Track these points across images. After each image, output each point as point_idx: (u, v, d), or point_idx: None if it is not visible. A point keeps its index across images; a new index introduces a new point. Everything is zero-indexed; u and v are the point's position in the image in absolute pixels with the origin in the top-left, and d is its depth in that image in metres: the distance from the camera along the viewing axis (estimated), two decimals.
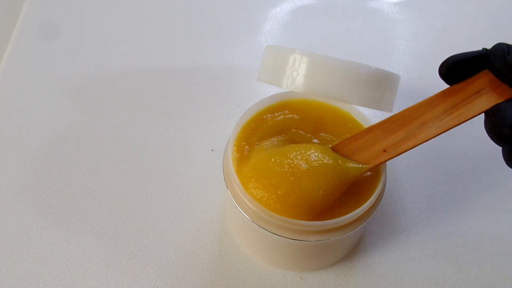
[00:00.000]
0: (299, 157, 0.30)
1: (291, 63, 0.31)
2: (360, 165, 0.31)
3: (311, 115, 0.35)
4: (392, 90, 0.32)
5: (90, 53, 0.49)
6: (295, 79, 0.31)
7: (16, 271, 0.35)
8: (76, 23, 0.51)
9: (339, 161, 0.31)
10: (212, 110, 0.45)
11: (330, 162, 0.30)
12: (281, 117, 0.35)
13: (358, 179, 0.31)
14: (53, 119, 0.44)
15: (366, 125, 0.34)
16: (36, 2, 0.53)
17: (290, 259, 0.35)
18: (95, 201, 0.39)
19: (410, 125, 0.30)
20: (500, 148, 0.28)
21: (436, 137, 0.30)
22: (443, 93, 0.29)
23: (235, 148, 0.33)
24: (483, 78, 0.28)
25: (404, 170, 0.42)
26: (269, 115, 0.35)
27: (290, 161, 0.30)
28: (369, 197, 0.31)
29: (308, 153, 0.30)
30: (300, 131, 0.34)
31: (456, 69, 0.28)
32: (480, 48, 0.28)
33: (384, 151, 0.30)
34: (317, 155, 0.30)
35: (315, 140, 0.34)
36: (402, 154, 0.31)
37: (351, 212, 0.30)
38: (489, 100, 0.28)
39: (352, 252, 0.37)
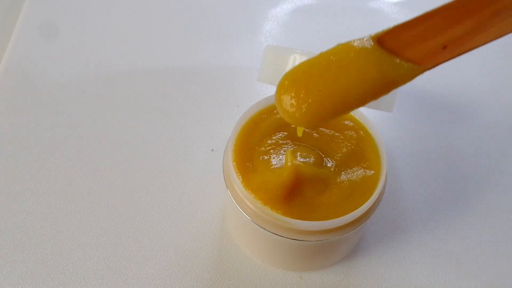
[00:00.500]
0: (333, 55, 0.26)
1: (291, 63, 0.31)
2: (410, 65, 0.24)
3: None
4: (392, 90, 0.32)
5: (90, 53, 0.49)
6: None
7: (16, 271, 0.35)
8: (76, 23, 0.51)
9: (383, 55, 0.25)
10: (212, 110, 0.45)
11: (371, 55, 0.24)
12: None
13: (358, 177, 0.31)
14: (53, 119, 0.44)
15: (366, 124, 0.34)
16: (36, 2, 0.53)
17: (290, 259, 0.35)
18: (95, 201, 0.39)
19: (481, 13, 0.22)
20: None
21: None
22: None
23: (235, 148, 0.33)
24: None
25: (404, 170, 0.42)
26: (268, 115, 0.35)
27: (321, 60, 0.26)
28: (369, 197, 0.31)
29: (343, 48, 0.26)
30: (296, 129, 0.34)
31: None
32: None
33: (444, 47, 0.23)
34: (356, 47, 0.25)
35: (315, 135, 0.34)
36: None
37: (351, 212, 0.30)
38: None
39: (352, 252, 0.37)
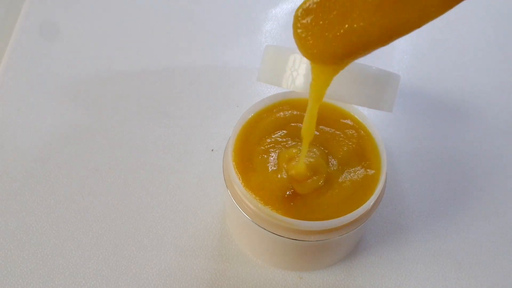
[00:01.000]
0: None
1: (291, 63, 0.31)
2: None
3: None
4: (392, 90, 0.32)
5: (90, 53, 0.49)
6: (295, 79, 0.31)
7: (16, 271, 0.35)
8: (76, 23, 0.51)
9: None
10: (212, 110, 0.45)
11: None
12: (281, 113, 0.35)
13: (358, 177, 0.31)
14: (53, 119, 0.44)
15: (366, 124, 0.34)
16: (36, 2, 0.53)
17: (290, 259, 0.35)
18: (95, 201, 0.39)
19: None
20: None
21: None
22: None
23: (235, 148, 0.33)
24: None
25: (404, 170, 0.42)
26: (268, 115, 0.35)
27: None
28: (369, 197, 0.31)
29: None
30: (300, 125, 0.34)
31: None
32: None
33: None
34: None
35: (317, 133, 0.34)
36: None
37: (351, 212, 0.30)
38: None
39: (352, 252, 0.37)
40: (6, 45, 0.49)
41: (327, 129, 0.34)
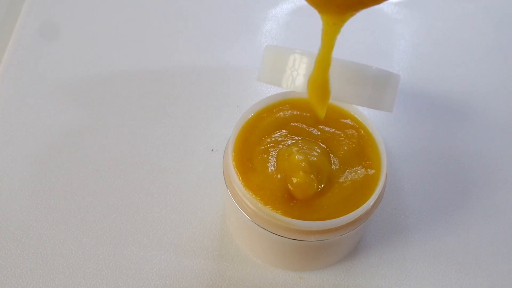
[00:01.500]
0: None
1: (291, 63, 0.31)
2: None
3: (311, 113, 0.35)
4: (392, 90, 0.32)
5: (90, 53, 0.49)
6: (295, 79, 0.31)
7: (16, 271, 0.35)
8: (76, 23, 0.51)
9: None
10: (212, 110, 0.45)
11: None
12: (281, 113, 0.35)
13: (358, 177, 0.31)
14: (53, 119, 0.44)
15: (366, 124, 0.34)
16: (36, 2, 0.53)
17: (290, 259, 0.35)
18: (95, 201, 0.39)
19: None
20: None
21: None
22: None
23: (235, 148, 0.33)
24: None
25: (404, 170, 0.42)
26: (268, 115, 0.35)
27: None
28: (369, 197, 0.31)
29: None
30: (300, 124, 0.34)
31: None
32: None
33: None
34: None
35: (317, 132, 0.34)
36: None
37: (351, 212, 0.30)
38: None
39: (352, 252, 0.37)
40: (6, 45, 0.49)
41: (327, 128, 0.34)
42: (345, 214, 0.30)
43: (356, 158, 0.33)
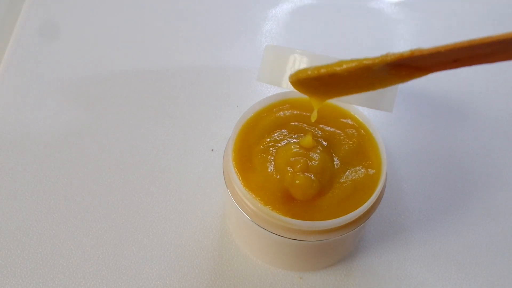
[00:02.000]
0: None
1: (291, 63, 0.31)
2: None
3: (311, 111, 0.35)
4: (392, 90, 0.32)
5: (90, 53, 0.49)
6: None
7: (16, 271, 0.35)
8: (76, 23, 0.51)
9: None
10: (212, 110, 0.45)
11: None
12: (281, 113, 0.35)
13: (358, 177, 0.31)
14: (53, 119, 0.44)
15: (366, 124, 0.34)
16: (36, 2, 0.53)
17: (290, 259, 0.35)
18: (95, 201, 0.39)
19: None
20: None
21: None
22: None
23: (235, 148, 0.33)
24: None
25: (404, 170, 0.42)
26: (268, 115, 0.35)
27: None
28: (369, 197, 0.31)
29: None
30: (300, 124, 0.34)
31: None
32: None
33: (455, 61, 0.25)
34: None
35: (317, 132, 0.34)
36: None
37: (351, 212, 0.30)
38: None
39: (352, 252, 0.37)
40: (6, 45, 0.49)
41: (327, 128, 0.34)
42: (345, 214, 0.30)
43: (356, 158, 0.33)
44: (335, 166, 0.33)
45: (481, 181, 0.41)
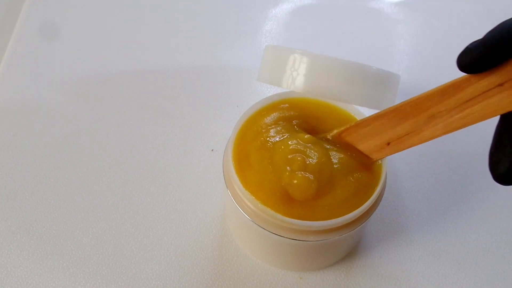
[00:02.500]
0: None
1: (291, 63, 0.31)
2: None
3: (311, 113, 0.35)
4: (392, 90, 0.32)
5: (90, 53, 0.49)
6: (295, 79, 0.31)
7: (16, 271, 0.35)
8: (76, 23, 0.51)
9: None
10: (212, 110, 0.45)
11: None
12: (281, 113, 0.35)
13: (358, 177, 0.31)
14: (53, 119, 0.44)
15: None
16: (36, 2, 0.53)
17: (290, 259, 0.35)
18: (95, 201, 0.39)
19: (418, 117, 0.27)
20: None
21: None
22: (460, 82, 0.25)
23: (235, 148, 0.33)
24: (510, 67, 0.22)
25: (404, 170, 0.42)
26: (268, 114, 0.35)
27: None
28: (369, 197, 0.31)
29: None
30: (300, 123, 0.34)
31: (480, 58, 0.23)
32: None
33: (388, 144, 0.29)
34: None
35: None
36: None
37: (351, 212, 0.30)
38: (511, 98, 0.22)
39: (352, 252, 0.37)
40: (6, 45, 0.49)
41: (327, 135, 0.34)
42: (345, 214, 0.30)
43: (356, 158, 0.33)
44: (336, 165, 0.32)
45: (481, 181, 0.41)
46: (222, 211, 0.39)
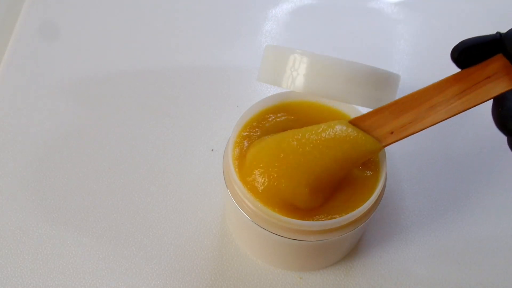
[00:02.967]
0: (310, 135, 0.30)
1: (291, 63, 0.31)
2: (374, 140, 0.30)
3: (310, 116, 0.35)
4: (392, 90, 0.32)
5: (90, 53, 0.49)
6: (295, 79, 0.31)
7: (16, 271, 0.35)
8: (76, 23, 0.51)
9: (357, 133, 0.30)
10: (212, 110, 0.45)
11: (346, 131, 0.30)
12: (281, 113, 0.35)
13: (358, 177, 0.31)
14: (53, 119, 0.44)
15: None
16: (36, 2, 0.53)
17: (290, 259, 0.35)
18: (95, 201, 0.39)
19: (419, 108, 0.30)
20: (500, 148, 0.27)
21: (437, 137, 0.30)
22: (454, 77, 0.29)
23: (235, 148, 0.33)
24: (496, 63, 0.27)
25: (404, 170, 0.42)
26: (269, 115, 0.35)
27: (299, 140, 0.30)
28: (369, 197, 0.31)
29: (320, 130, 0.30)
30: (300, 122, 0.34)
31: (469, 54, 0.27)
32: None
33: (392, 133, 0.30)
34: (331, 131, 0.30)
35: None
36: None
37: (351, 212, 0.30)
38: (500, 86, 0.27)
39: (352, 252, 0.37)
40: (6, 45, 0.49)
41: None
42: (345, 214, 0.30)
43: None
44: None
45: (481, 181, 0.41)
46: (222, 211, 0.39)
